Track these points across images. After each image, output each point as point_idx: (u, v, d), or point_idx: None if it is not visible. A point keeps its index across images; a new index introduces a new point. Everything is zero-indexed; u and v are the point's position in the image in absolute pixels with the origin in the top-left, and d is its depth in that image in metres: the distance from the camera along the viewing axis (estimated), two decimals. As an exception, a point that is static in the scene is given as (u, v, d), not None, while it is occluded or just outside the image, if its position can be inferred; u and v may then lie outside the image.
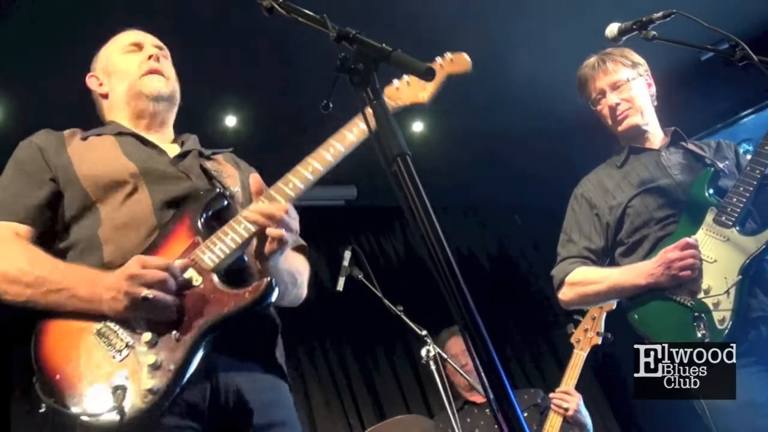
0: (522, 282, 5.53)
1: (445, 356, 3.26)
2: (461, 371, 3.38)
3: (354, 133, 1.60)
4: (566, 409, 2.81)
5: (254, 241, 1.50)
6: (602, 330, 2.87)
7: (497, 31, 3.82)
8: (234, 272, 1.48)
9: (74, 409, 1.30)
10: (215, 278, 1.43)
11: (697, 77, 4.28)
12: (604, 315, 2.88)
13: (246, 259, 1.54)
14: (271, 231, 1.46)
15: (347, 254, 3.44)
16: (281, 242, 1.47)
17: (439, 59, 1.87)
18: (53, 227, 1.58)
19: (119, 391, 1.30)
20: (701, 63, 4.24)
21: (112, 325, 1.39)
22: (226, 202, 1.60)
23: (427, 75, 1.07)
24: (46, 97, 3.29)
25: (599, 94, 2.42)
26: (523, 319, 5.26)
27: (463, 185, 5.13)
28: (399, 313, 3.27)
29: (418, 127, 4.65)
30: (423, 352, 3.17)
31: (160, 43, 1.89)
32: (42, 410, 1.33)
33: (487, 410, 3.52)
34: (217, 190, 1.61)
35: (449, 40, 3.32)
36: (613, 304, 2.70)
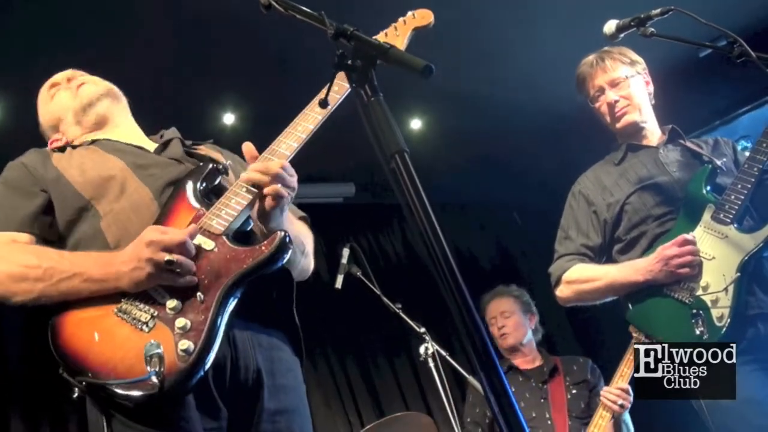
0: (521, 281, 5.53)
1: (444, 353, 3.24)
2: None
3: (335, 90, 1.61)
4: (621, 406, 2.66)
5: (257, 205, 1.49)
6: None
7: (496, 29, 3.82)
8: (241, 240, 1.46)
9: (111, 380, 1.28)
10: (227, 240, 1.43)
11: (696, 74, 4.27)
12: None
13: (251, 226, 1.54)
14: (268, 188, 1.46)
15: (346, 252, 3.43)
16: (279, 197, 1.46)
17: (401, 18, 1.87)
18: (51, 235, 1.56)
19: (155, 358, 1.26)
20: (699, 60, 4.24)
21: (131, 301, 1.37)
22: (220, 177, 1.61)
23: (425, 72, 1.07)
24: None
25: (598, 92, 2.42)
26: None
27: (462, 183, 5.13)
28: (397, 310, 3.26)
29: (416, 124, 4.64)
30: (421, 350, 3.16)
31: (72, 71, 1.87)
32: (76, 395, 1.31)
33: (532, 381, 3.36)
34: (211, 165, 1.61)
35: (448, 39, 3.34)
36: None
